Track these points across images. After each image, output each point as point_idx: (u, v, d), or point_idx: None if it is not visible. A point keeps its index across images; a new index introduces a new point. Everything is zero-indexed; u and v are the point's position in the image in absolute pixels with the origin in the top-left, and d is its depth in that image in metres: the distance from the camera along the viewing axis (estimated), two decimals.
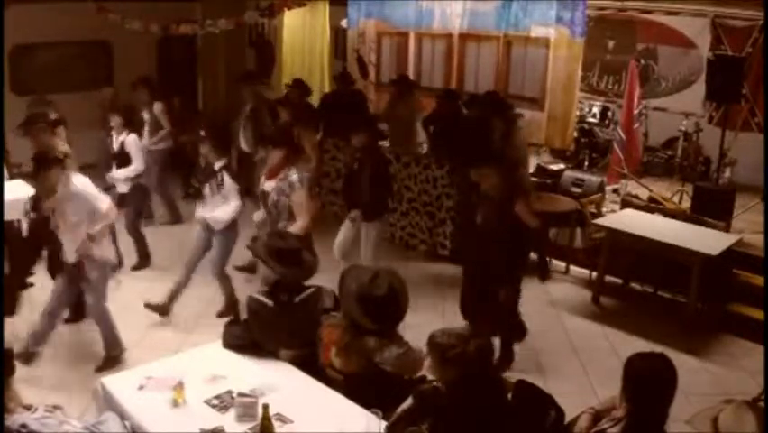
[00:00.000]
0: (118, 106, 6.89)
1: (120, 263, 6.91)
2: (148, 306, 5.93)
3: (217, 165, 5.73)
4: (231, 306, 5.98)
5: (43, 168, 4.89)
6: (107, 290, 5.20)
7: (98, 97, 8.68)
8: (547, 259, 7.25)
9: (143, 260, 7.10)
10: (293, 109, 7.51)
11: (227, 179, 5.69)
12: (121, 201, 6.77)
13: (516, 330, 5.45)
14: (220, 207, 5.70)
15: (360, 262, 6.12)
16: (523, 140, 7.56)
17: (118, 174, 6.67)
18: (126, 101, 7.23)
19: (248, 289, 5.57)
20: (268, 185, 5.29)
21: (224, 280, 5.99)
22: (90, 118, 8.39)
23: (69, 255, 4.98)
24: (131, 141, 6.68)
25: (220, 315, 5.95)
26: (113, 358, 5.22)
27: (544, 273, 7.07)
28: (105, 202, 5.03)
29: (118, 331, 5.27)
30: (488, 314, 5.18)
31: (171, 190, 8.53)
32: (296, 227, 5.08)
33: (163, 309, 5.95)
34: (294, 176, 5.11)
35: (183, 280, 5.99)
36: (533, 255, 7.25)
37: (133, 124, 6.93)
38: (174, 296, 5.98)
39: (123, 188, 6.76)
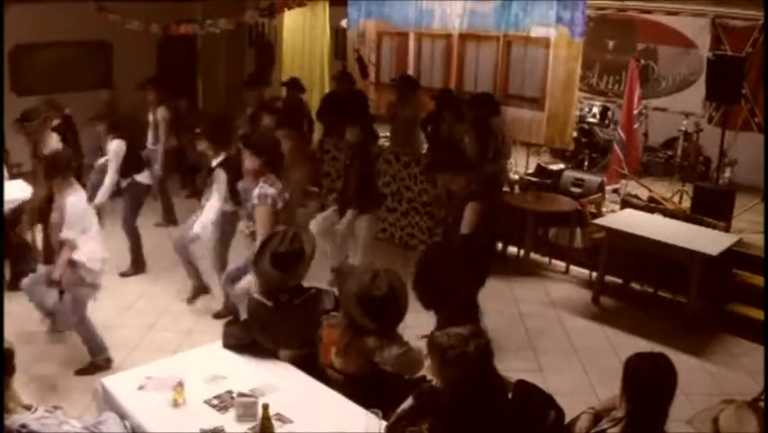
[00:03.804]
0: (108, 111, 6.83)
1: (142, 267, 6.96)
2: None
3: (214, 162, 5.73)
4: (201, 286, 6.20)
5: (50, 174, 4.84)
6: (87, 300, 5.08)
7: (96, 99, 8.67)
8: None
9: (137, 265, 6.92)
10: (276, 113, 7.50)
11: (219, 175, 5.66)
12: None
13: (469, 314, 5.31)
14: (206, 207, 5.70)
15: (353, 258, 6.30)
16: (508, 134, 7.78)
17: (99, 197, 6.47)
18: (125, 104, 7.20)
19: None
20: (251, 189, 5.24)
21: (192, 266, 6.12)
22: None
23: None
24: (111, 148, 6.54)
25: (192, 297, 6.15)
26: (97, 365, 5.12)
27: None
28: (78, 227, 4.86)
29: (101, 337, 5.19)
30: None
31: (170, 192, 8.49)
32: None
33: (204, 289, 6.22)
34: (261, 190, 4.97)
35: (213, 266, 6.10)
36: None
37: (119, 130, 6.71)
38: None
39: (121, 184, 6.71)
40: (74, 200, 4.84)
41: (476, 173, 5.47)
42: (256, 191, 4.99)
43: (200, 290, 6.20)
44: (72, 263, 4.86)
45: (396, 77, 9.33)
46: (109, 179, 6.50)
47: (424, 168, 7.50)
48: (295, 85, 9.11)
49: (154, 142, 8.07)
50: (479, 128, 7.25)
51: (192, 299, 6.17)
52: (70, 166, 5.02)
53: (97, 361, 5.13)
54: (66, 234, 4.78)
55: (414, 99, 8.55)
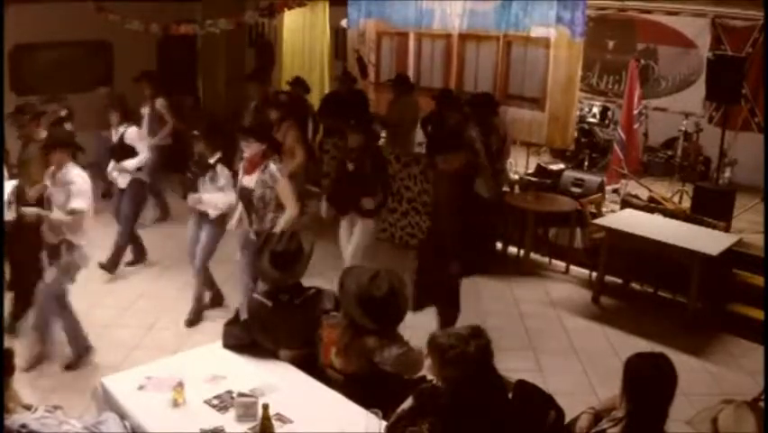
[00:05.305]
0: (115, 103, 6.87)
1: (144, 257, 7.03)
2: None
3: (212, 159, 5.73)
4: (216, 295, 6.18)
5: (52, 145, 4.82)
6: (70, 283, 5.02)
7: (95, 98, 8.67)
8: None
9: (140, 255, 7.07)
10: (281, 108, 7.51)
11: (222, 171, 5.68)
12: (120, 197, 6.79)
13: (454, 308, 5.30)
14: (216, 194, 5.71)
15: (346, 260, 6.13)
16: (507, 132, 7.76)
17: (125, 165, 6.57)
18: (123, 97, 7.19)
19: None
20: (247, 180, 5.31)
21: (206, 272, 6.02)
22: (90, 118, 8.40)
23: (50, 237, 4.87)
24: (132, 132, 6.64)
25: (210, 306, 6.10)
26: (80, 358, 5.10)
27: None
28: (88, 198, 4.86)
29: (81, 327, 5.14)
30: (441, 295, 5.16)
31: (164, 187, 8.48)
32: (287, 216, 5.13)
33: (219, 299, 6.20)
34: (273, 167, 5.20)
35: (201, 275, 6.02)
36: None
37: (131, 119, 6.89)
38: (200, 295, 6.05)
39: (122, 184, 6.70)
40: (79, 172, 4.85)
41: (466, 149, 5.35)
42: (274, 168, 5.17)
43: (199, 313, 6.06)
44: (71, 245, 4.84)
45: (393, 77, 9.33)
46: (141, 155, 6.61)
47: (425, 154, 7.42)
48: (299, 84, 9.12)
49: (149, 133, 8.04)
50: (483, 128, 7.25)
51: (191, 324, 5.97)
52: (73, 142, 5.03)
53: (81, 352, 5.12)
54: (77, 203, 4.74)
55: (409, 100, 8.54)
